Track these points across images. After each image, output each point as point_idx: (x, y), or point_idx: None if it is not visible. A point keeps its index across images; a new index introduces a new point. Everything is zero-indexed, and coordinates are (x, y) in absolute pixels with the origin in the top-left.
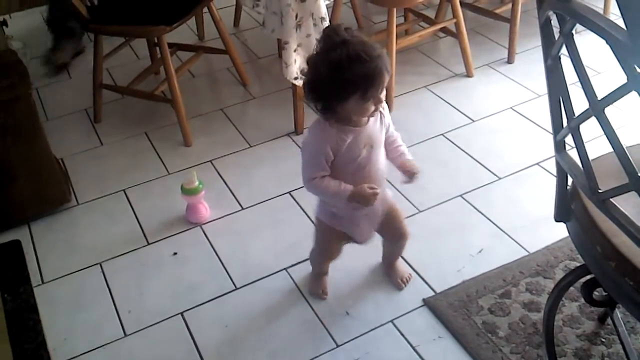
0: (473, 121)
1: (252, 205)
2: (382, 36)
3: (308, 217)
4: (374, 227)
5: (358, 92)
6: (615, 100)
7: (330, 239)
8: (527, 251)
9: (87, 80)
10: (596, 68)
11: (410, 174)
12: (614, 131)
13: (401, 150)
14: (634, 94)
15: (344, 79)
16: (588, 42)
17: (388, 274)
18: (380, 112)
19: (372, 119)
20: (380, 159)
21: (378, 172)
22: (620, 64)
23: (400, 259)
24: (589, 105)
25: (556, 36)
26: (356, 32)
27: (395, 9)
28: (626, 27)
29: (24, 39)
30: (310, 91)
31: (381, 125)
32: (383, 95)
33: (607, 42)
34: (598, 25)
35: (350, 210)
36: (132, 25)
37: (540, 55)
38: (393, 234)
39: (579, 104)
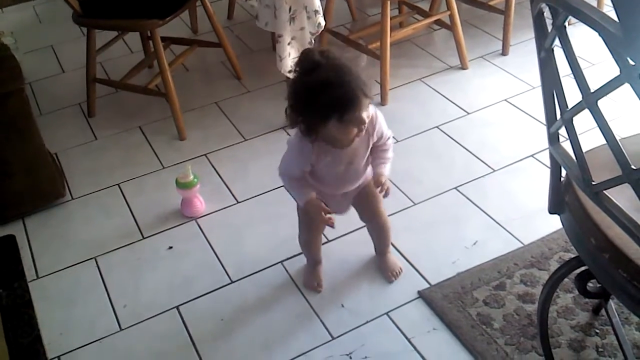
0: (468, 113)
1: (247, 199)
2: (376, 29)
3: None
4: (349, 202)
5: (334, 116)
6: (608, 93)
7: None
8: (522, 243)
9: (81, 74)
10: (589, 59)
11: (378, 185)
12: (607, 123)
13: (382, 161)
14: (626, 86)
15: (319, 104)
16: (581, 34)
17: (380, 266)
18: (368, 129)
19: (357, 139)
20: (360, 166)
21: (357, 176)
22: (613, 57)
23: (393, 253)
24: (582, 97)
25: (549, 28)
26: (333, 54)
27: (389, 2)
28: (619, 19)
29: (16, 34)
30: (294, 113)
31: (368, 142)
32: (366, 114)
33: (599, 35)
34: (590, 17)
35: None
36: (125, 19)
37: (535, 47)
38: (366, 211)
39: (573, 95)
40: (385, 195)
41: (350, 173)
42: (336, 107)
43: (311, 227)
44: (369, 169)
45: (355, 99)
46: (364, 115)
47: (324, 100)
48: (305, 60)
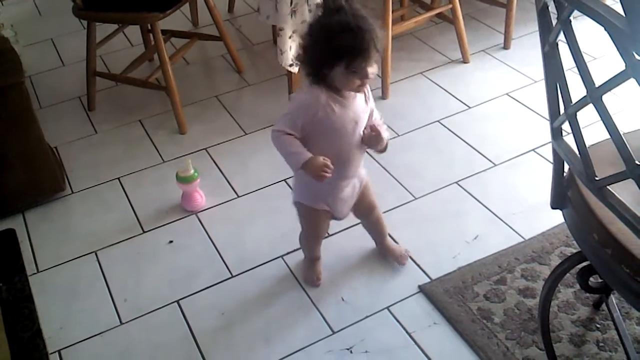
0: (469, 107)
1: (247, 193)
2: (378, 22)
3: None
4: (351, 202)
5: (343, 61)
6: (613, 88)
7: (314, 218)
8: (523, 237)
9: (81, 67)
10: (593, 53)
11: (373, 130)
12: (611, 118)
13: (380, 124)
14: (631, 80)
15: (330, 46)
16: (585, 27)
17: (384, 255)
18: (365, 93)
19: (359, 97)
20: (359, 142)
21: (355, 154)
22: (619, 51)
23: (391, 240)
24: (587, 92)
25: (554, 22)
26: (356, 4)
27: None
28: (625, 13)
29: (16, 27)
30: (304, 52)
31: (366, 105)
32: (371, 70)
33: (605, 29)
34: (596, 11)
35: (329, 189)
36: (125, 11)
37: (537, 40)
38: (362, 208)
39: (576, 89)
40: (373, 140)
41: (354, 135)
42: (347, 53)
43: (316, 233)
44: (364, 172)
45: (368, 49)
46: (370, 70)
47: (337, 43)
48: (329, 1)
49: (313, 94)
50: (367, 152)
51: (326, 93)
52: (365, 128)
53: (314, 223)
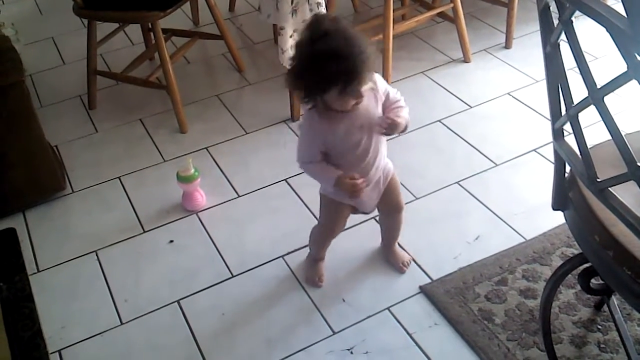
0: (470, 107)
1: (248, 193)
2: (379, 21)
3: (304, 204)
4: (377, 196)
5: (337, 87)
6: (615, 89)
7: (336, 212)
8: (524, 238)
9: (81, 66)
10: (594, 53)
11: (387, 120)
12: (613, 120)
13: (398, 106)
14: (633, 82)
15: (322, 73)
16: (586, 26)
17: (388, 259)
18: (372, 88)
19: (365, 98)
20: (376, 138)
21: (375, 150)
22: (621, 53)
23: (398, 244)
24: (589, 94)
25: (555, 23)
26: (342, 24)
27: None
28: (627, 14)
29: (17, 25)
30: (295, 78)
31: (376, 101)
32: (367, 87)
33: (607, 30)
34: (598, 12)
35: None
36: (126, 10)
37: (538, 40)
38: (389, 205)
39: (578, 89)
40: (389, 129)
41: (371, 139)
42: (339, 79)
43: (333, 228)
44: (390, 163)
45: (360, 72)
46: (364, 88)
47: (328, 71)
48: (315, 26)
49: (314, 120)
50: None
51: (327, 115)
52: (379, 121)
53: (334, 217)
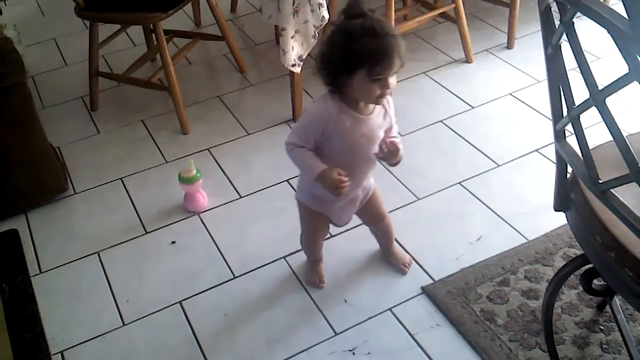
0: (472, 107)
1: (250, 194)
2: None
3: None
4: (352, 211)
5: (365, 67)
6: (616, 91)
7: (313, 219)
8: (526, 238)
9: (83, 67)
10: (595, 53)
11: (392, 146)
12: (615, 122)
13: (396, 137)
14: (634, 83)
15: (352, 50)
16: (587, 27)
17: (389, 260)
18: (385, 108)
19: (376, 113)
20: (371, 157)
21: (364, 167)
22: (622, 54)
23: (397, 245)
24: (590, 95)
25: (556, 24)
26: (377, 13)
27: None
28: (628, 15)
29: (19, 27)
30: (322, 61)
31: (384, 121)
32: (392, 81)
33: (608, 32)
34: (599, 14)
35: (331, 196)
36: (128, 12)
37: (540, 40)
38: (371, 217)
39: (579, 89)
40: (389, 156)
41: (366, 151)
42: (370, 57)
43: (315, 234)
44: (372, 181)
45: (391, 55)
46: (391, 80)
47: (357, 47)
48: (353, 7)
49: (326, 106)
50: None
51: (340, 106)
52: (381, 143)
53: (312, 225)
